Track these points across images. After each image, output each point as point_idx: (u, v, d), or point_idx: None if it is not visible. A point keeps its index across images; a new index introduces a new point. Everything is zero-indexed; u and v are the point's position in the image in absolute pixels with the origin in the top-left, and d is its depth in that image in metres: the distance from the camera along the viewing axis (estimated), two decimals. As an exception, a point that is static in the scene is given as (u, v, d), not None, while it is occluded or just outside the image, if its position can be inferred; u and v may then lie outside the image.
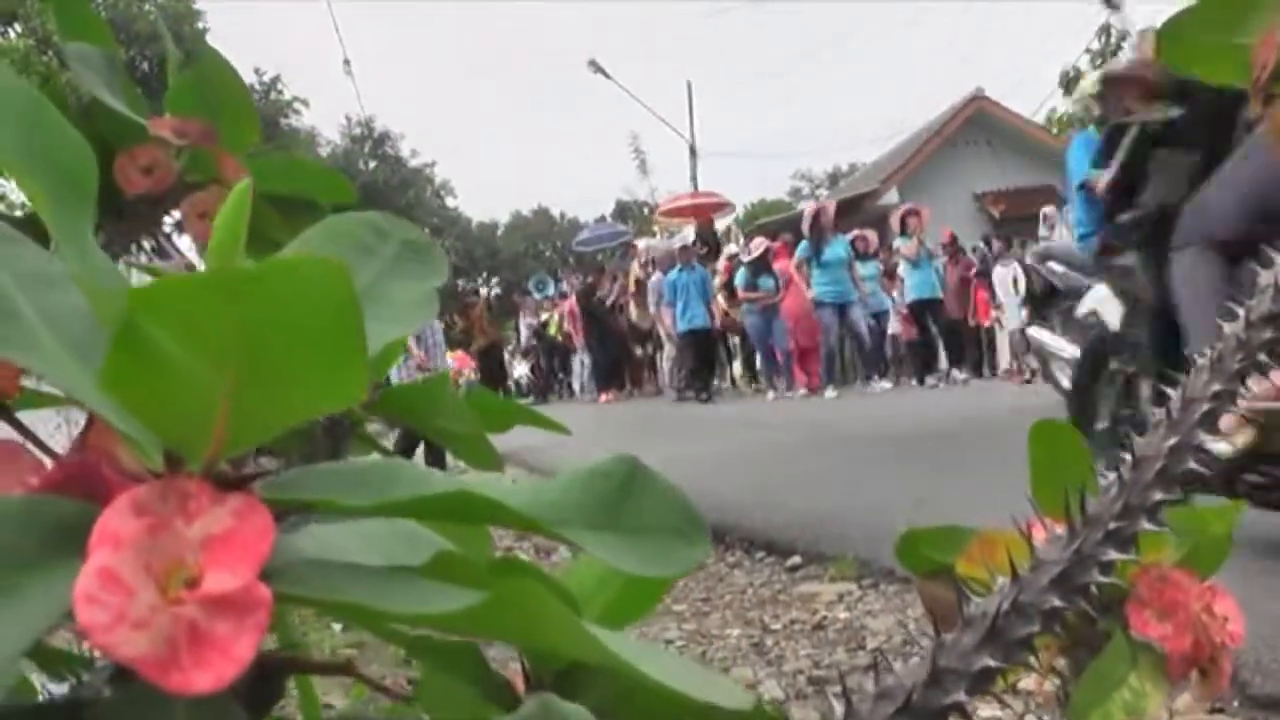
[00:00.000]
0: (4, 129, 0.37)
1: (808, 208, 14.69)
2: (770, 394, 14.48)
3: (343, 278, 0.27)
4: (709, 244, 18.49)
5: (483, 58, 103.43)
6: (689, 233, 20.46)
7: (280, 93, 32.19)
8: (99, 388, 0.30)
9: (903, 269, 14.99)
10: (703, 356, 15.45)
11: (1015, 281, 13.65)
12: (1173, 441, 0.63)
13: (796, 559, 3.91)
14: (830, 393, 13.16)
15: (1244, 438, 2.92)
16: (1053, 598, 0.59)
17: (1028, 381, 13.18)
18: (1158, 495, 0.63)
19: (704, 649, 3.01)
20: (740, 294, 14.70)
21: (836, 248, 13.55)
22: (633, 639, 0.33)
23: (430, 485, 0.36)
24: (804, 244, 13.66)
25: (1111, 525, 0.62)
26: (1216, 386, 0.64)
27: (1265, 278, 0.65)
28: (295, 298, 0.27)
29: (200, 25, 27.20)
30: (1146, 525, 0.63)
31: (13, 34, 21.15)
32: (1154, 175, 3.36)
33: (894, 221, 14.70)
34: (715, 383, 16.40)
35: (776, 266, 14.39)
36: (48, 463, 0.41)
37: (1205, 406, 0.64)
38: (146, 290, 0.27)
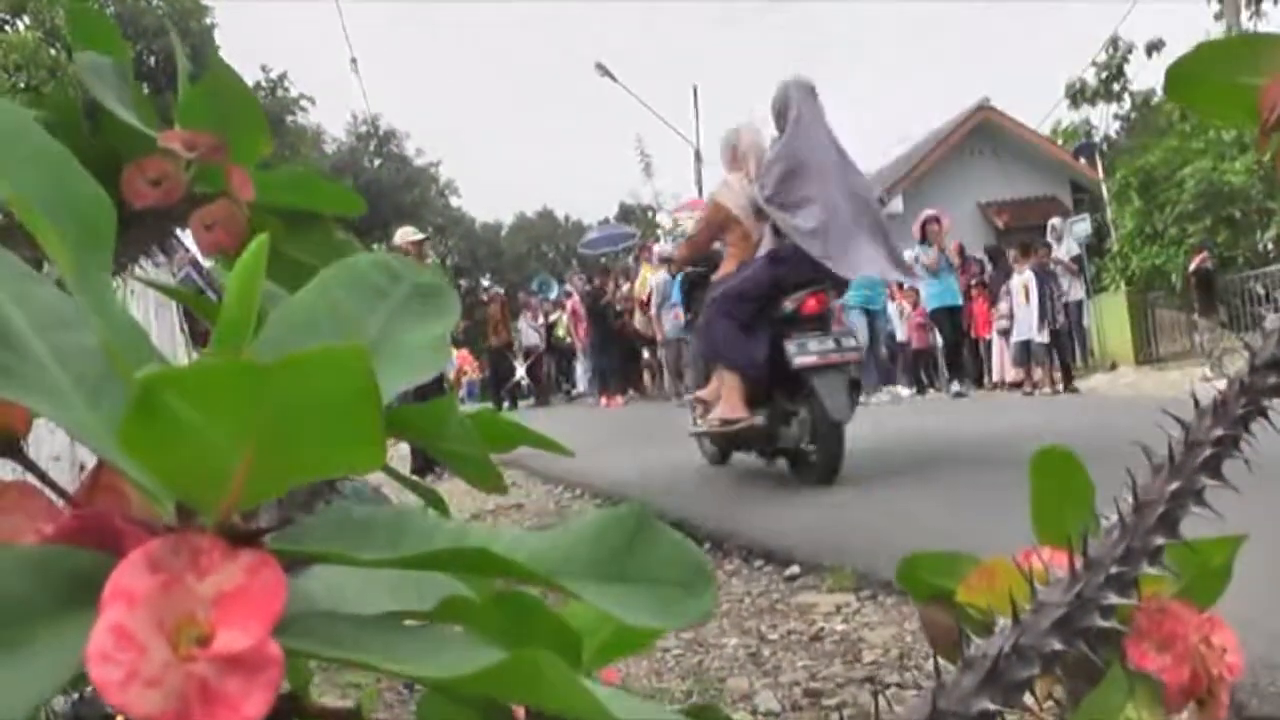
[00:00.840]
0: (30, 182, 0.37)
1: None
2: None
3: (363, 366, 0.27)
4: None
5: (489, 58, 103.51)
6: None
7: (286, 90, 32.14)
8: (118, 444, 0.30)
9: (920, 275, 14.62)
10: None
11: (1027, 291, 13.58)
12: (1175, 486, 0.63)
13: (795, 568, 3.91)
14: None
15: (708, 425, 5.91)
16: (1054, 641, 0.59)
17: (1028, 393, 13.15)
18: (1159, 539, 0.63)
19: (700, 658, 3.01)
20: None
21: None
22: (642, 705, 0.33)
23: (439, 538, 0.36)
24: None
25: (1113, 569, 0.62)
26: (1220, 431, 0.64)
27: (1271, 322, 0.65)
28: (317, 388, 0.27)
29: (208, 21, 27.17)
30: (1148, 569, 0.63)
31: (21, 26, 21.13)
32: (696, 295, 6.68)
33: (914, 229, 14.10)
34: None
35: None
36: (58, 502, 0.41)
37: (1208, 451, 0.64)
38: (170, 375, 0.28)
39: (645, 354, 19.48)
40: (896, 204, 21.56)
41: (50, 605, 0.31)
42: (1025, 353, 13.63)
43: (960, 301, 14.38)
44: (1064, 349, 13.65)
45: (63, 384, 0.37)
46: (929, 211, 14.43)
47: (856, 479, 5.58)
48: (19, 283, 0.41)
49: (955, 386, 13.79)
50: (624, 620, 0.37)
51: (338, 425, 0.29)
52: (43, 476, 0.41)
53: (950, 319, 14.24)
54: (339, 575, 0.40)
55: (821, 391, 5.36)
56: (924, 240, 13.93)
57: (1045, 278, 13.54)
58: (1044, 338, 13.43)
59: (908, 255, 13.83)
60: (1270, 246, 16.02)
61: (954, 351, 14.53)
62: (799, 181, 5.67)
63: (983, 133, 23.89)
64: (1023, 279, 13.71)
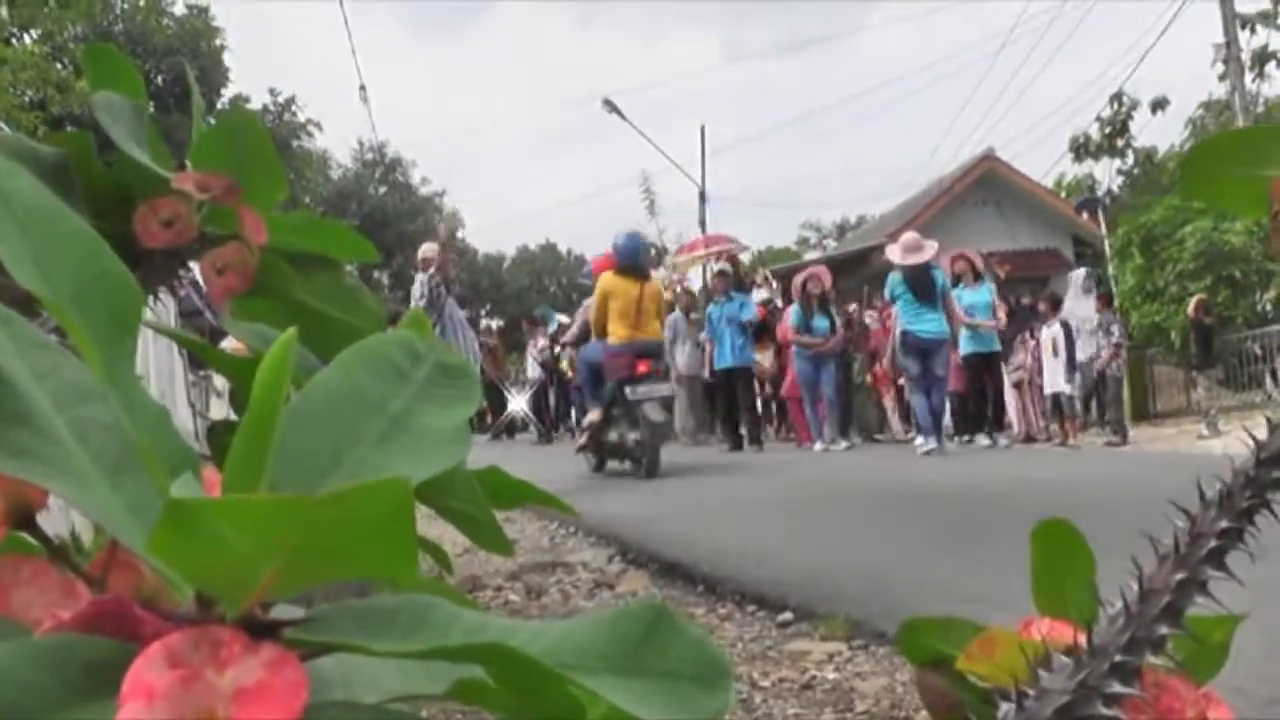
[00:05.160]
0: (61, 270, 0.37)
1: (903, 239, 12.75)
2: (817, 445, 13.35)
3: (403, 501, 0.27)
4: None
5: (498, 91, 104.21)
6: (693, 276, 20.22)
7: (294, 114, 32.24)
8: (146, 549, 0.30)
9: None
10: (733, 400, 14.16)
11: (1055, 343, 13.41)
12: (1180, 576, 0.63)
13: (788, 615, 3.89)
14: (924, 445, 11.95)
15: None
16: (1056, 730, 0.59)
17: (1063, 444, 13.01)
18: (1164, 629, 0.63)
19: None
20: (791, 336, 13.75)
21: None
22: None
23: (456, 630, 0.36)
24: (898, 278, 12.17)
25: (1117, 658, 0.62)
26: (1224, 524, 0.64)
27: (1277, 417, 0.65)
28: (356, 519, 0.27)
29: (218, 42, 27.30)
30: (1152, 659, 0.63)
31: (28, 39, 21.19)
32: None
33: (947, 269, 12.98)
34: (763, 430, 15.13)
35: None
36: (65, 574, 0.41)
37: (1212, 543, 0.64)
38: (206, 504, 0.28)
39: None
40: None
41: (67, 697, 0.31)
42: (1056, 405, 13.42)
43: (997, 346, 13.48)
44: (1104, 400, 13.34)
45: (83, 464, 0.37)
46: (959, 251, 13.64)
47: (853, 525, 5.57)
48: (38, 354, 0.41)
49: (985, 439, 12.92)
50: (642, 716, 0.37)
51: (373, 548, 0.29)
52: (57, 551, 0.41)
53: (987, 365, 13.38)
54: (350, 655, 0.40)
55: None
56: (958, 282, 13.00)
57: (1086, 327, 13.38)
58: (1073, 389, 13.26)
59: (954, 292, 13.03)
60: (1269, 307, 16.09)
61: (985, 401, 13.59)
62: None
63: (987, 183, 23.97)
64: (1053, 331, 13.52)
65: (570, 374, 20.42)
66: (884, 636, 3.37)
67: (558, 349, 21.29)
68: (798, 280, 14.14)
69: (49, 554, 0.40)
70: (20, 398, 0.38)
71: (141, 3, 25.68)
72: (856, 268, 21.65)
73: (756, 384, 15.18)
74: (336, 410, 0.44)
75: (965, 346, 13.11)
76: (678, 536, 5.45)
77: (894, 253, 12.29)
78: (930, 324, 11.97)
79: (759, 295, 16.61)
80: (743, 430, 14.09)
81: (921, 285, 11.95)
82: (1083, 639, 0.69)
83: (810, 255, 34.57)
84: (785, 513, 6.81)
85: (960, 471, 9.12)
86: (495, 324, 27.46)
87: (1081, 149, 25.97)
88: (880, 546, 5.01)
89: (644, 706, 0.37)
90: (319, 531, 0.27)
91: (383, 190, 44.58)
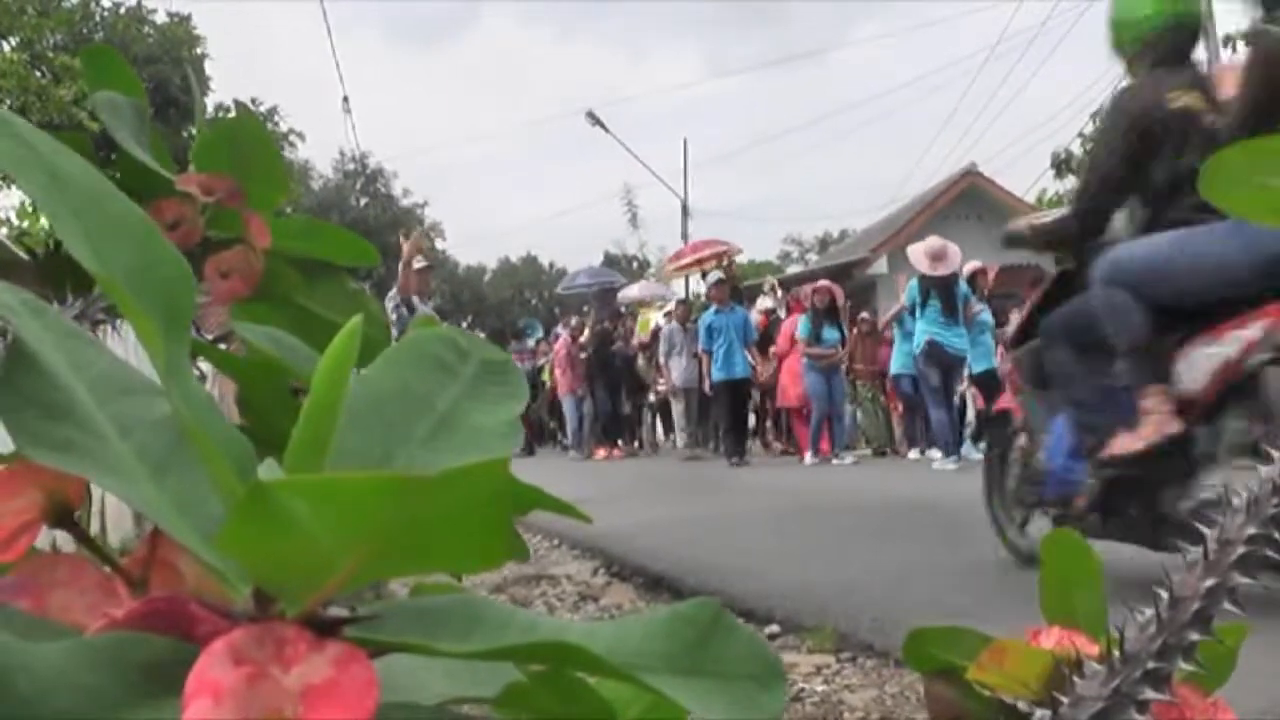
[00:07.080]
0: (115, 255, 0.36)
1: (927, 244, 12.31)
2: (807, 458, 13.22)
3: (503, 479, 0.26)
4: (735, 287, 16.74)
5: (481, 102, 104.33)
6: (677, 288, 20.18)
7: (276, 124, 32.08)
8: (214, 547, 0.29)
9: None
10: (737, 412, 14.00)
11: None
12: (1210, 583, 0.63)
13: (775, 627, 3.88)
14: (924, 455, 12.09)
15: None
16: (1091, 738, 0.59)
17: None
18: (1194, 636, 0.63)
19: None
20: (802, 348, 13.46)
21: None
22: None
23: (512, 629, 0.35)
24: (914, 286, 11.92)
25: (1150, 665, 0.62)
26: (1252, 530, 0.64)
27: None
28: (453, 502, 0.26)
29: (199, 51, 27.15)
30: (1183, 665, 0.63)
31: (7, 46, 21.04)
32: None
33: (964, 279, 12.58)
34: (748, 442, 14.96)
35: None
36: (104, 572, 0.40)
37: (1241, 549, 0.64)
38: (297, 484, 0.27)
39: (628, 405, 18.84)
40: (881, 264, 21.63)
41: (127, 697, 0.30)
42: None
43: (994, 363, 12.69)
44: None
45: (127, 458, 0.36)
46: (975, 264, 13.15)
47: (842, 539, 5.58)
48: (74, 347, 0.40)
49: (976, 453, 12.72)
50: (704, 715, 0.36)
51: (467, 536, 0.28)
52: (97, 549, 0.40)
53: (994, 383, 12.32)
54: (409, 661, 0.39)
55: None
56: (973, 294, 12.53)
57: None
58: None
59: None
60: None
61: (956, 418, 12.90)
62: None
63: (969, 198, 24.05)
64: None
65: (553, 386, 20.36)
66: (871, 649, 3.37)
67: (540, 361, 21.25)
68: (806, 291, 14.06)
69: (87, 551, 0.40)
70: (61, 390, 0.37)
71: (122, 10, 25.58)
72: (838, 281, 21.69)
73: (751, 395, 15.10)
74: (385, 408, 0.43)
75: (980, 364, 12.64)
76: (663, 550, 5.44)
77: (920, 261, 11.89)
78: (956, 338, 11.75)
79: (764, 303, 16.41)
80: (724, 443, 14.05)
81: (949, 297, 11.69)
82: (1099, 648, 0.69)
83: (792, 269, 34.65)
84: (774, 525, 6.81)
85: (950, 485, 9.13)
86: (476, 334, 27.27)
87: (1063, 165, 26.06)
88: (867, 560, 5.01)
89: (706, 707, 0.37)
90: (416, 516, 0.27)
91: (364, 201, 44.50)
